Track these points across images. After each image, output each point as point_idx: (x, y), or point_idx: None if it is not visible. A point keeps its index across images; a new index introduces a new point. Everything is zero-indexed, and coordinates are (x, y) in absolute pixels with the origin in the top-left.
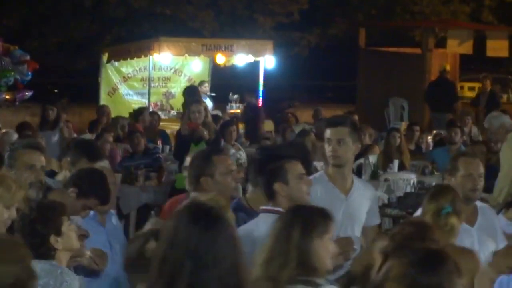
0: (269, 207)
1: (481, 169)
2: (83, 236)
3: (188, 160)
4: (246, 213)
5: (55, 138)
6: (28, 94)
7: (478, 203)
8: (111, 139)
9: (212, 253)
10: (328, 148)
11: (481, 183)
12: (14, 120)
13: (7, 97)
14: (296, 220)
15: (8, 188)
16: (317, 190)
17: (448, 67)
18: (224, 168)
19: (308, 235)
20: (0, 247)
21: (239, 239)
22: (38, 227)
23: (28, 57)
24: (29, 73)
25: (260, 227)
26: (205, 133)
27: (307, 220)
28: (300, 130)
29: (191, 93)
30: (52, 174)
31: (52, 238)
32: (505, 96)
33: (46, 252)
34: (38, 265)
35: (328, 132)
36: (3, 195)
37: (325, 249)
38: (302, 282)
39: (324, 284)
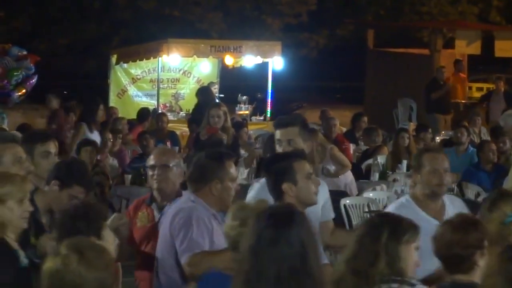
0: None
1: (447, 164)
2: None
3: None
4: None
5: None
6: (34, 80)
7: (445, 196)
8: (119, 140)
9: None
10: (279, 149)
11: (447, 178)
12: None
13: (20, 93)
14: (385, 224)
15: (13, 182)
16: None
17: (443, 68)
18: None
19: (396, 240)
20: (91, 253)
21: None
22: (81, 225)
23: (25, 52)
24: (32, 66)
25: None
26: (224, 137)
27: (397, 225)
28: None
29: (205, 93)
30: None
31: (92, 240)
32: None
33: None
34: None
35: (277, 133)
36: (11, 191)
37: (410, 257)
38: (397, 281)
39: (418, 284)
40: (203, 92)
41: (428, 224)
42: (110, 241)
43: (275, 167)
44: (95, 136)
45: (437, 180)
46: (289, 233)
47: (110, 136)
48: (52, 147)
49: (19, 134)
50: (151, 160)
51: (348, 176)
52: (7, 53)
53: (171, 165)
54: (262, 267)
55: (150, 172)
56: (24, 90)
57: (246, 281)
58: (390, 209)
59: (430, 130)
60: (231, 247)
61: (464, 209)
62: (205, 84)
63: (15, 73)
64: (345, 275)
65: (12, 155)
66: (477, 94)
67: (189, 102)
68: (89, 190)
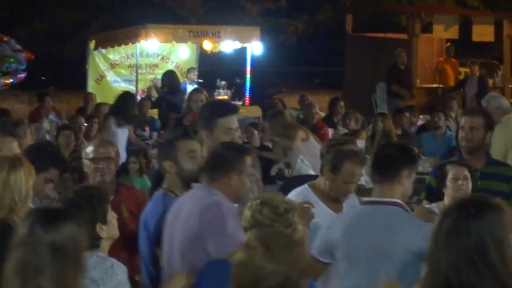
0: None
1: (361, 172)
2: None
3: None
4: None
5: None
6: (23, 75)
7: None
8: (96, 125)
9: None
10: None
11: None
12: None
13: (5, 81)
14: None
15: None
16: None
17: (403, 52)
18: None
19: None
20: (277, 246)
21: None
22: (87, 214)
23: (20, 47)
24: (24, 62)
25: None
26: None
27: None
28: (276, 111)
29: (171, 77)
30: None
31: (98, 227)
32: (491, 81)
33: (92, 242)
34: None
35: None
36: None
37: None
38: None
39: None
40: (171, 76)
41: (324, 211)
42: (114, 224)
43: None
44: (120, 132)
45: (346, 190)
46: (468, 224)
47: (83, 121)
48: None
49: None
50: (92, 153)
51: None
52: (6, 42)
53: (113, 156)
54: (440, 255)
55: (91, 165)
56: (9, 81)
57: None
58: (293, 195)
59: (407, 114)
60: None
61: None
62: (184, 70)
63: (8, 60)
64: None
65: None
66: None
67: None
68: (64, 171)
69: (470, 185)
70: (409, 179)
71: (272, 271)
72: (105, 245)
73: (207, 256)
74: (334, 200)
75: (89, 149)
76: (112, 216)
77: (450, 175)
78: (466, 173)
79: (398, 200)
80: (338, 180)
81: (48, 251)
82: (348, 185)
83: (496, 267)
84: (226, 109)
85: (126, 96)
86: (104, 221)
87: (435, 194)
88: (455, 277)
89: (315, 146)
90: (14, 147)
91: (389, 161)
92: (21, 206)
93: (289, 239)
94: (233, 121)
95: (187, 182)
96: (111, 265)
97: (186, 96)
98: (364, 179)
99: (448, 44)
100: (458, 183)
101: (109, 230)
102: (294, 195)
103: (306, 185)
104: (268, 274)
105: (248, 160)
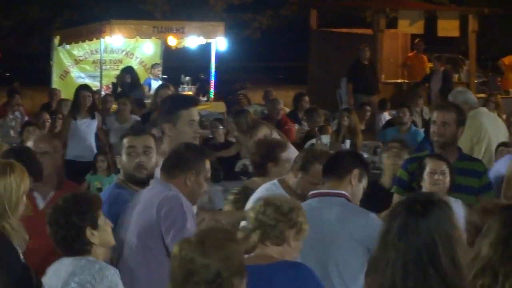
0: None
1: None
2: None
3: None
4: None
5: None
6: None
7: None
8: (60, 121)
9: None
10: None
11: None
12: None
13: None
14: None
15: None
16: None
17: (366, 47)
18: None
19: None
20: (210, 241)
21: None
22: (74, 219)
23: None
24: None
25: None
26: None
27: None
28: (240, 109)
29: (133, 73)
30: None
31: (88, 231)
32: (456, 76)
33: (81, 247)
34: (72, 262)
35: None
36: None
37: None
38: None
39: None
40: (131, 71)
41: None
42: (107, 231)
43: None
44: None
45: (312, 189)
46: (417, 224)
47: (47, 117)
48: None
49: None
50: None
51: (292, 156)
52: None
53: (49, 151)
54: (389, 257)
55: None
56: None
57: (374, 268)
58: (259, 192)
59: (368, 107)
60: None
61: None
62: (148, 65)
63: None
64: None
65: None
66: None
67: None
68: (39, 179)
69: (447, 180)
70: (360, 182)
71: (202, 264)
72: (99, 252)
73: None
74: (300, 197)
75: (29, 144)
76: (106, 223)
77: (427, 169)
78: (444, 167)
79: (344, 192)
80: (306, 179)
81: None
82: (315, 186)
83: (445, 269)
84: (189, 101)
85: (80, 89)
86: (95, 226)
87: (406, 187)
88: (402, 282)
89: None
90: None
91: (341, 160)
92: (12, 214)
93: (226, 235)
94: (195, 113)
95: (128, 178)
96: (99, 268)
97: (153, 92)
98: None
99: (418, 39)
100: (434, 177)
101: (102, 236)
102: (263, 190)
103: (275, 181)
104: (198, 268)
105: (208, 163)
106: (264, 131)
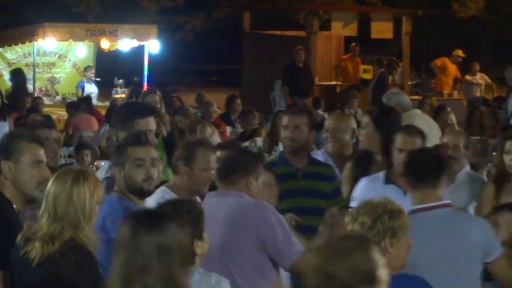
0: None
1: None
2: None
3: None
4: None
5: None
6: None
7: None
8: None
9: None
10: None
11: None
12: None
13: None
14: None
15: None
16: None
17: (301, 49)
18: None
19: None
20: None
21: None
22: (188, 229)
23: None
24: None
25: None
26: (162, 127)
27: None
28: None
29: (18, 75)
30: None
31: (195, 243)
32: (390, 78)
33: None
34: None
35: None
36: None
37: None
38: None
39: None
40: (16, 74)
41: None
42: (207, 239)
43: None
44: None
45: (205, 179)
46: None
47: None
48: None
49: None
50: None
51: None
52: None
53: None
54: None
55: None
56: None
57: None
58: (153, 199)
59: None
60: None
61: None
62: (81, 68)
63: None
64: None
65: None
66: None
67: (65, 86)
68: None
69: None
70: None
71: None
72: (198, 262)
73: (258, 248)
74: (196, 193)
75: None
76: (206, 235)
77: None
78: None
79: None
80: (195, 170)
81: (154, 251)
82: (206, 173)
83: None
84: (146, 110)
85: None
86: (201, 237)
87: None
88: None
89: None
90: None
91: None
92: (86, 224)
93: (357, 242)
94: (151, 122)
95: (131, 190)
96: (216, 281)
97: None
98: None
99: (354, 44)
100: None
101: (203, 246)
102: (152, 197)
103: (162, 186)
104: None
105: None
106: (208, 131)
